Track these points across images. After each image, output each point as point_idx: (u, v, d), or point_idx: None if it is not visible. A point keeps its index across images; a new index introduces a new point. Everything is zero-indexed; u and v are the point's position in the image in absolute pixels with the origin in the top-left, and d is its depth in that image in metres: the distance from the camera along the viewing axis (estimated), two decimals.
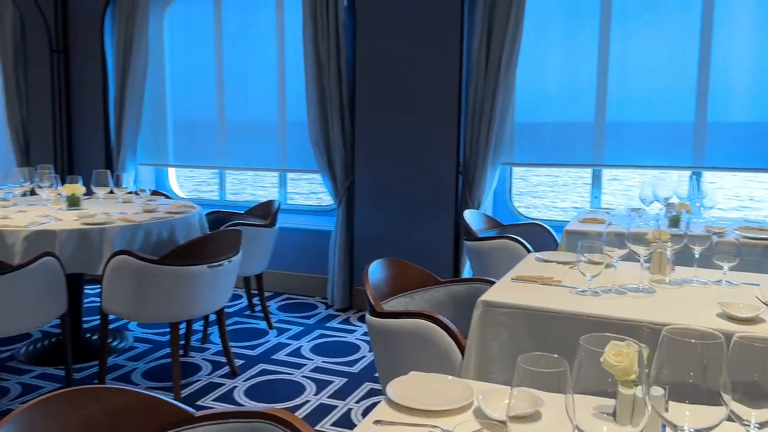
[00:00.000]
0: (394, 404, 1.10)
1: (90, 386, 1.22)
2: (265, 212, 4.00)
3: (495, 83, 3.91)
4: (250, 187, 12.84)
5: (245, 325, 4.15)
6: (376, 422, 1.04)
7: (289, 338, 3.93)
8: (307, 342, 3.87)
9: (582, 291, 1.89)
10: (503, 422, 1.00)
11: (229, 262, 3.04)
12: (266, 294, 4.79)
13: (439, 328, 1.95)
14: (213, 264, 2.95)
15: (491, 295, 1.87)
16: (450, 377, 1.19)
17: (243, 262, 3.62)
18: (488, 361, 1.82)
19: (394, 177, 4.34)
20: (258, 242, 3.77)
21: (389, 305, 2.31)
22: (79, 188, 3.46)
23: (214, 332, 3.86)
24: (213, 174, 7.03)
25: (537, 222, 3.94)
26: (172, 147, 5.17)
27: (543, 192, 12.52)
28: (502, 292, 1.91)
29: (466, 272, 4.17)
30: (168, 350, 3.57)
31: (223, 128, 4.97)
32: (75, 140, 5.33)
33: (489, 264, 3.38)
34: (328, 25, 4.22)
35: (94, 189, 3.53)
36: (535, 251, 2.80)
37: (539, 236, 3.69)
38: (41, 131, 5.40)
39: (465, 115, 4.14)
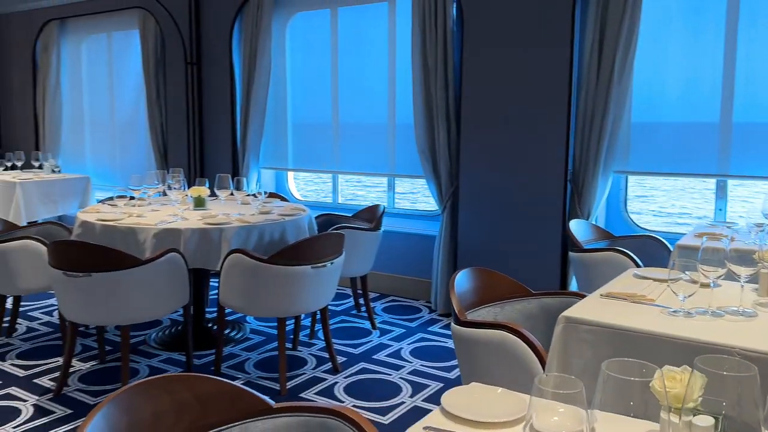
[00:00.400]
0: (446, 412, 1.15)
1: (183, 374, 1.36)
2: (371, 216, 4.13)
3: (607, 89, 3.78)
4: (351, 186, 13.14)
5: (350, 324, 4.31)
6: (426, 428, 1.09)
7: (390, 339, 4.03)
8: (408, 344, 3.95)
9: (674, 311, 1.81)
10: None
11: (332, 263, 3.20)
12: (373, 295, 4.95)
13: (521, 342, 1.95)
14: (316, 264, 3.12)
15: (575, 311, 1.85)
16: (500, 389, 1.21)
17: (348, 263, 3.77)
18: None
19: (499, 184, 4.32)
20: (362, 245, 3.91)
21: (478, 315, 2.33)
22: (204, 190, 3.78)
23: (321, 329, 4.05)
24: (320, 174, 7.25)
25: (652, 234, 3.75)
26: (291, 152, 5.48)
27: (653, 197, 11.67)
28: (588, 308, 1.88)
29: (574, 285, 4.06)
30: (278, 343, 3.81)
31: (336, 134, 5.19)
32: (206, 145, 5.81)
33: (594, 277, 3.27)
34: (436, 34, 4.28)
35: (217, 191, 3.84)
36: (646, 266, 2.68)
37: (653, 250, 3.51)
38: (177, 136, 5.94)
39: (575, 122, 4.03)
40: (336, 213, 4.51)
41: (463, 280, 2.28)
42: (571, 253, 3.51)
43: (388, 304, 4.78)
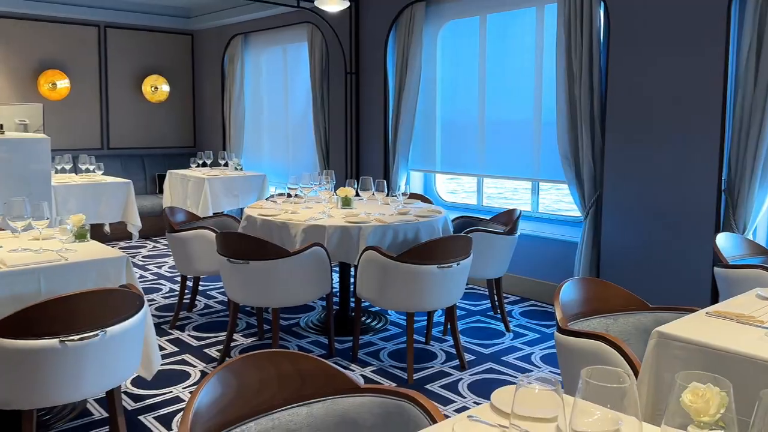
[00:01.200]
0: (492, 406, 1.28)
1: (287, 350, 1.63)
2: (508, 219, 4.21)
3: (766, 94, 3.49)
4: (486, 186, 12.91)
5: (485, 324, 4.42)
6: (469, 417, 1.23)
7: (523, 343, 4.08)
8: (540, 350, 3.97)
9: None
10: None
11: (458, 264, 3.35)
12: (513, 298, 5.01)
13: (617, 354, 1.97)
14: (442, 265, 3.29)
15: (671, 326, 1.83)
16: (538, 389, 1.29)
17: (482, 266, 3.89)
18: (660, 393, 1.80)
19: (645, 193, 4.16)
20: (496, 248, 4.01)
21: (587, 325, 2.36)
22: (350, 191, 4.13)
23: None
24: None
25: None
26: (439, 155, 5.69)
27: None
28: (686, 325, 1.85)
29: None
30: (414, 336, 4.04)
31: (482, 138, 5.30)
32: (361, 147, 6.23)
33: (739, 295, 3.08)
34: (581, 38, 4.23)
35: (360, 192, 4.16)
36: None
37: None
38: (337, 139, 6.43)
39: (730, 128, 3.77)
40: (474, 215, 4.63)
41: (570, 289, 2.33)
42: (716, 269, 3.31)
43: (527, 308, 4.81)
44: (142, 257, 6.49)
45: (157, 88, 8.09)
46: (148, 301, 4.89)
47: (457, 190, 9.88)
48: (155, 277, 5.67)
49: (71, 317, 2.22)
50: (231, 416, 1.49)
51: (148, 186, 7.99)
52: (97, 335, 2.26)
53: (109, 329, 2.29)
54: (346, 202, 4.12)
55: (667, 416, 0.97)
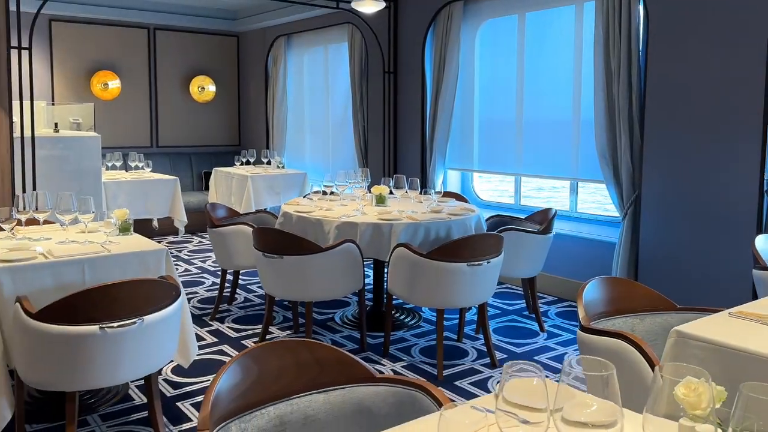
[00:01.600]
0: (495, 396, 1.32)
1: (305, 339, 1.69)
2: (543, 218, 4.19)
3: None
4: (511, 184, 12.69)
5: (519, 324, 4.42)
6: (473, 407, 1.27)
7: (557, 343, 4.06)
8: (574, 350, 3.94)
9: None
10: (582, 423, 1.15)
11: (488, 262, 3.37)
12: (549, 298, 4.98)
13: (637, 352, 1.97)
14: (473, 263, 3.32)
15: (690, 326, 1.82)
16: (536, 380, 1.32)
17: (516, 265, 3.89)
18: None
19: (685, 193, 4.08)
20: (530, 247, 3.99)
21: (612, 324, 2.35)
22: (384, 189, 4.19)
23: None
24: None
25: None
26: (476, 153, 5.69)
27: None
28: (707, 325, 1.84)
29: None
30: (446, 333, 4.08)
31: (520, 136, 5.28)
32: (399, 146, 6.28)
33: None
34: (620, 35, 4.18)
35: (393, 190, 4.22)
36: None
37: None
38: (375, 137, 6.50)
39: None
40: (508, 214, 4.63)
41: (594, 289, 2.33)
42: (754, 271, 3.24)
43: (563, 308, 4.77)
44: (188, 252, 6.70)
45: (203, 89, 8.32)
46: (192, 293, 5.07)
47: (485, 188, 9.84)
48: (199, 271, 5.86)
49: (111, 305, 2.34)
50: (251, 400, 1.57)
51: (195, 183, 8.22)
52: (134, 323, 2.38)
53: (147, 317, 2.41)
54: (380, 200, 4.18)
55: (648, 404, 1.00)
